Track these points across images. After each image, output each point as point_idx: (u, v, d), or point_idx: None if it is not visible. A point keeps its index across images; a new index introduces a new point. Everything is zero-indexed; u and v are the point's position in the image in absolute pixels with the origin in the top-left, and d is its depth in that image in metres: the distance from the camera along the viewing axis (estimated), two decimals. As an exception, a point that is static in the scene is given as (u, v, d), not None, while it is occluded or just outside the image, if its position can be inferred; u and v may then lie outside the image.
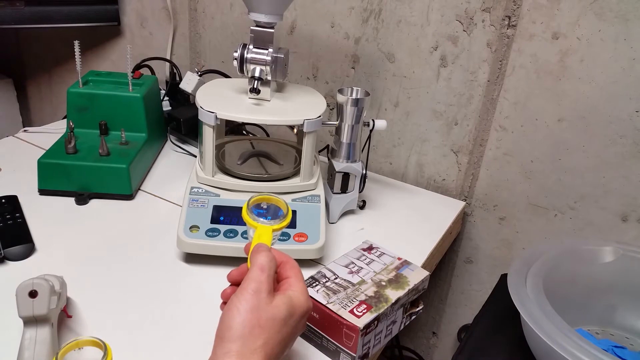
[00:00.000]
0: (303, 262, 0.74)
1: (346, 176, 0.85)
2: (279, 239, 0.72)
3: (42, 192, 0.85)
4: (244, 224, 0.59)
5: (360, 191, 0.87)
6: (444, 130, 0.99)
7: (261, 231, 0.56)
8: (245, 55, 0.77)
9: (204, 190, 0.78)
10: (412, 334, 1.20)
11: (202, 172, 0.79)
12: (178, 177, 0.94)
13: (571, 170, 0.89)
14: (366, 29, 1.01)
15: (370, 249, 0.71)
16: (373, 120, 0.83)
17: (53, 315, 0.54)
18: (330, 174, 0.86)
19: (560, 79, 0.85)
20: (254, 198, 0.59)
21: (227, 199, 0.77)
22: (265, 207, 0.60)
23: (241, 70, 0.78)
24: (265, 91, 0.79)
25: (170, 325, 0.63)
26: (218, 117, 0.75)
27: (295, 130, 0.94)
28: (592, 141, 0.86)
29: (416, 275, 0.66)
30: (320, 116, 0.77)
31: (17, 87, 1.64)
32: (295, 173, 0.82)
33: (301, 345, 0.62)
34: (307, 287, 0.61)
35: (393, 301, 0.61)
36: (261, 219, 0.57)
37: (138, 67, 1.20)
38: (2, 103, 1.59)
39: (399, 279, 0.65)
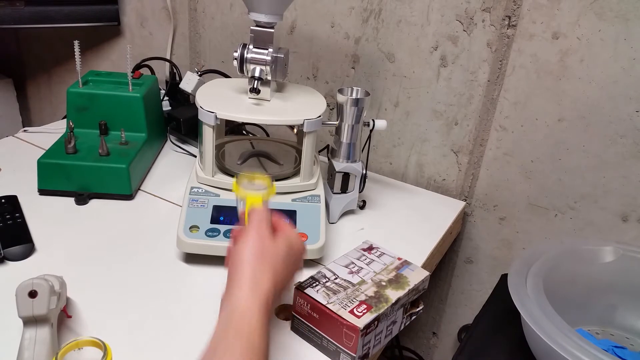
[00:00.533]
0: (303, 262, 0.74)
1: (346, 176, 0.85)
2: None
3: (42, 192, 0.85)
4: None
5: (360, 191, 0.87)
6: (444, 130, 0.99)
7: (252, 200, 0.60)
8: (245, 55, 0.77)
9: (203, 190, 0.78)
10: (412, 334, 1.20)
11: (202, 172, 0.79)
12: (178, 177, 0.94)
13: (571, 170, 0.89)
14: (366, 28, 1.01)
15: (370, 249, 0.71)
16: (373, 120, 0.83)
17: (53, 315, 0.54)
18: (330, 174, 0.86)
19: (560, 78, 0.85)
20: (241, 177, 0.64)
21: (227, 199, 0.77)
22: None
23: (241, 70, 0.78)
24: (265, 91, 0.79)
25: (170, 325, 0.63)
26: (218, 117, 0.75)
27: (295, 130, 0.94)
28: (592, 141, 0.86)
29: (416, 276, 0.66)
30: (320, 116, 0.77)
31: (17, 87, 1.64)
32: (295, 173, 0.82)
33: (301, 346, 0.62)
34: (307, 287, 0.61)
35: (393, 301, 0.61)
36: (251, 190, 0.62)
37: (138, 67, 1.20)
38: (2, 103, 1.59)
39: (399, 279, 0.65)
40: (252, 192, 0.62)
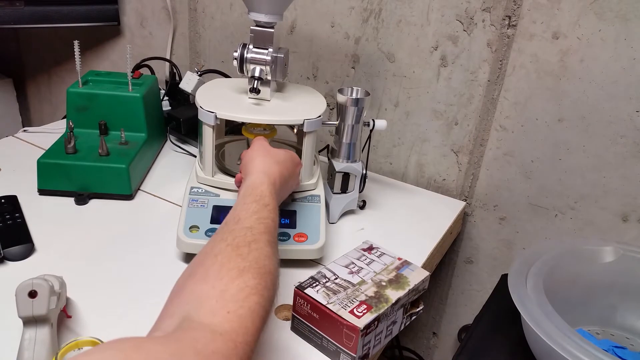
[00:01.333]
0: (303, 262, 0.74)
1: (346, 176, 0.85)
2: (279, 239, 0.72)
3: (42, 192, 0.85)
4: None
5: (360, 191, 0.87)
6: (444, 130, 0.99)
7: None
8: (245, 55, 0.77)
9: (203, 190, 0.78)
10: (412, 335, 1.20)
11: (202, 172, 0.79)
12: (178, 177, 0.94)
13: (571, 170, 0.89)
14: (366, 28, 1.01)
15: (370, 249, 0.71)
16: (373, 120, 0.83)
17: (53, 315, 0.54)
18: (330, 174, 0.86)
19: (560, 78, 0.85)
20: (249, 125, 0.82)
21: (227, 199, 0.77)
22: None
23: (241, 70, 0.78)
24: (265, 91, 0.79)
25: (170, 326, 0.63)
26: (218, 117, 0.75)
27: (295, 130, 0.94)
28: (592, 141, 0.86)
29: (416, 276, 0.66)
30: (320, 116, 0.77)
31: (17, 87, 1.64)
32: (295, 173, 0.82)
33: (301, 346, 0.62)
34: (307, 287, 0.61)
35: (393, 301, 0.61)
36: (257, 130, 0.81)
37: (138, 67, 1.20)
38: (1, 103, 1.59)
39: (399, 279, 0.65)
40: (258, 133, 0.80)
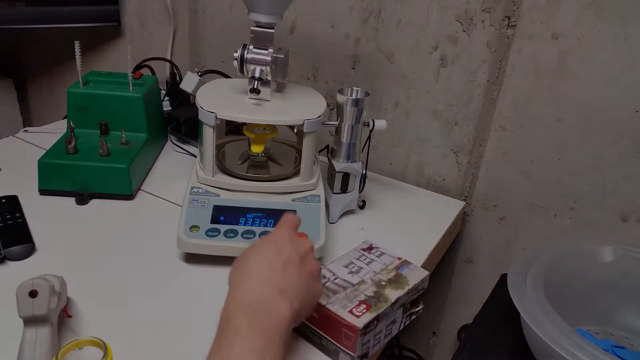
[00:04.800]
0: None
1: (346, 176, 0.85)
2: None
3: (43, 192, 0.85)
4: (243, 223, 0.74)
5: (360, 191, 0.87)
6: (444, 131, 0.99)
7: (257, 138, 0.80)
8: (245, 55, 0.77)
9: (204, 190, 0.78)
10: (412, 334, 1.20)
11: (202, 172, 0.79)
12: (178, 177, 0.94)
13: (571, 170, 0.89)
14: (366, 29, 1.01)
15: (370, 249, 0.71)
16: (373, 120, 0.83)
17: (53, 315, 0.54)
18: (330, 174, 0.86)
19: (559, 79, 0.85)
20: (250, 124, 0.82)
21: (227, 199, 0.77)
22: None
23: (241, 70, 0.78)
24: (265, 91, 0.79)
25: (170, 325, 0.63)
26: (218, 117, 0.75)
27: (295, 130, 0.94)
28: (592, 141, 0.86)
29: (416, 275, 0.66)
30: (320, 116, 0.77)
31: (17, 87, 1.64)
32: (295, 173, 0.82)
33: (301, 345, 0.62)
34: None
35: (393, 301, 0.61)
36: (258, 130, 0.81)
37: (138, 67, 1.20)
38: (2, 103, 1.60)
39: (399, 278, 0.65)
40: (258, 132, 0.80)
